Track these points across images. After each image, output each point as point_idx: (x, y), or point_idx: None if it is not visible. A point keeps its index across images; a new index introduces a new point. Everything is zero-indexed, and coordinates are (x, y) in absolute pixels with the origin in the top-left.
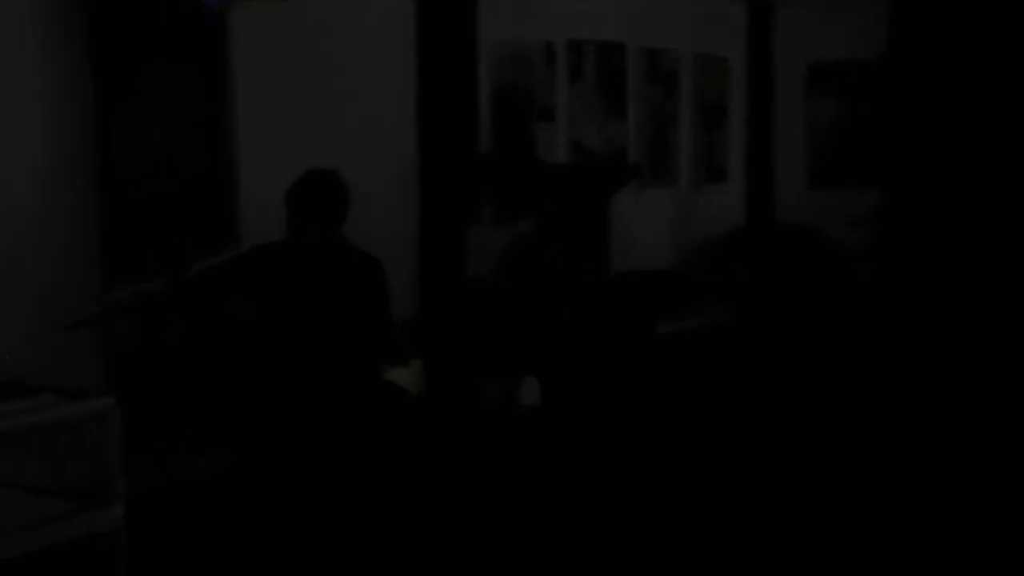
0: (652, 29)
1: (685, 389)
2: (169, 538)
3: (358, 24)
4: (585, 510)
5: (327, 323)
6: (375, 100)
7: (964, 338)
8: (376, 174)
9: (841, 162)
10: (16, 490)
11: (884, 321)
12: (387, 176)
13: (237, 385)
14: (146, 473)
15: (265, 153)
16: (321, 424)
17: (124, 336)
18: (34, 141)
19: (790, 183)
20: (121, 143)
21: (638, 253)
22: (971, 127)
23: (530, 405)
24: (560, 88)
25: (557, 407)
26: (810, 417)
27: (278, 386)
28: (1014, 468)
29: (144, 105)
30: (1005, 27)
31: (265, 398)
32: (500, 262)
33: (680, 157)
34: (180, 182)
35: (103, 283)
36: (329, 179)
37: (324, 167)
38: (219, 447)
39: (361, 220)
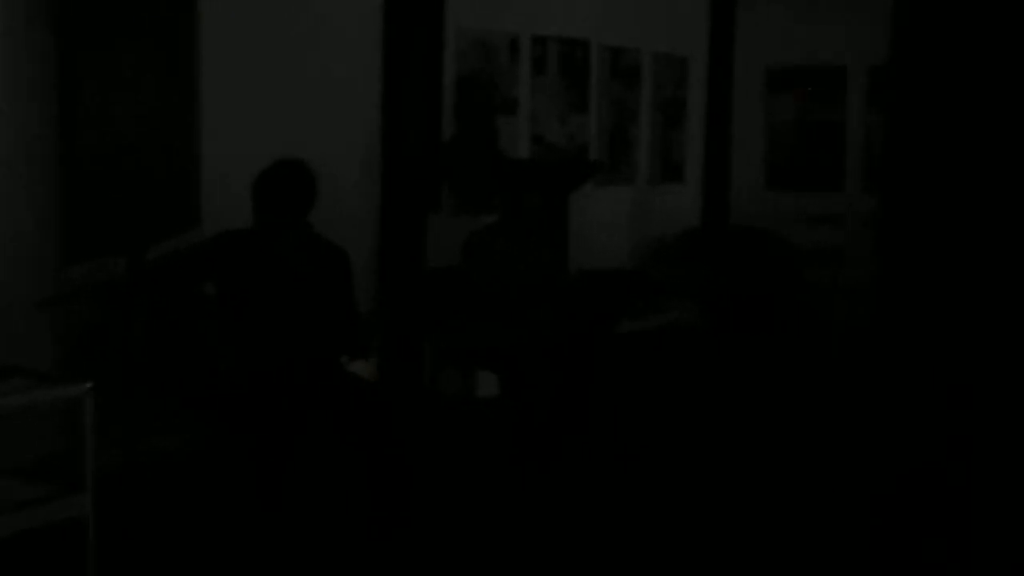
0: (616, 27)
1: (645, 387)
2: (135, 519)
3: (327, 10)
4: (540, 500)
5: (292, 311)
6: (341, 86)
7: (964, 344)
8: (339, 160)
9: (799, 164)
10: None
11: (879, 326)
12: (350, 162)
13: (201, 369)
14: (109, 454)
15: (229, 136)
16: (284, 411)
17: (80, 315)
18: None
19: (747, 184)
20: (84, 122)
21: (594, 249)
22: (974, 133)
23: (486, 396)
24: (523, 81)
25: (517, 398)
26: (769, 416)
27: (242, 372)
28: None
29: (109, 84)
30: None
31: (229, 383)
32: (465, 252)
33: (639, 154)
34: (143, 163)
35: (61, 261)
36: (297, 170)
37: (291, 158)
38: (180, 428)
39: (323, 207)
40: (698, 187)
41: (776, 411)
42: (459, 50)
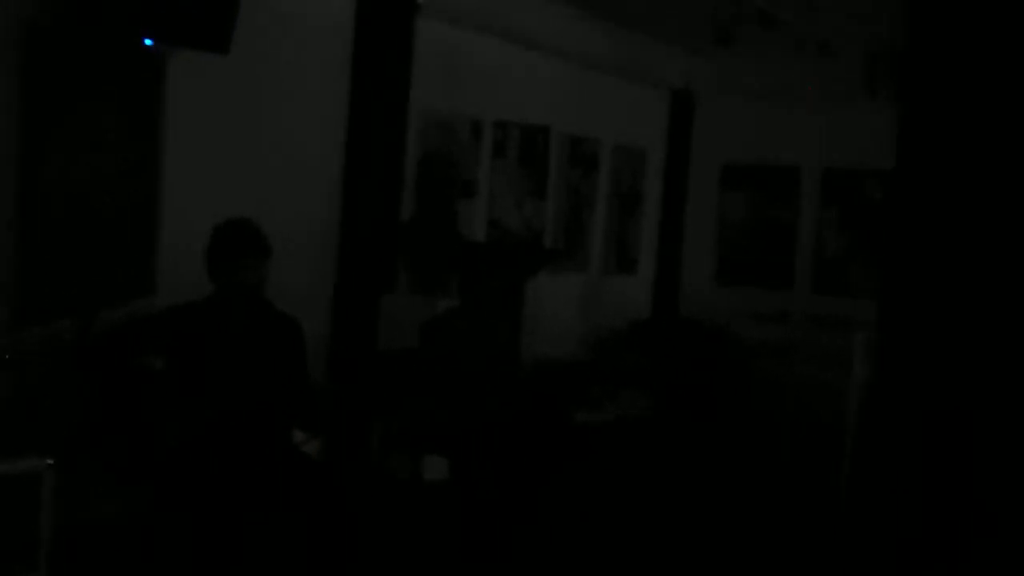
0: (577, 116)
1: (598, 477)
2: None
3: (294, 84)
4: None
5: (242, 384)
6: (303, 160)
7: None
8: (297, 234)
9: (749, 261)
10: None
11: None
12: (307, 237)
13: (143, 441)
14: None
15: (189, 204)
16: (229, 485)
17: (25, 381)
18: None
19: (698, 277)
20: (44, 182)
21: (545, 335)
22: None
23: (433, 480)
24: (484, 164)
25: (466, 483)
26: (719, 509)
27: (187, 446)
28: None
29: (72, 143)
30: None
31: (172, 457)
32: (423, 335)
33: (593, 243)
34: (101, 226)
35: (12, 323)
36: (249, 227)
37: (241, 217)
38: (120, 497)
39: (278, 280)
40: (649, 277)
41: (726, 503)
42: (421, 130)
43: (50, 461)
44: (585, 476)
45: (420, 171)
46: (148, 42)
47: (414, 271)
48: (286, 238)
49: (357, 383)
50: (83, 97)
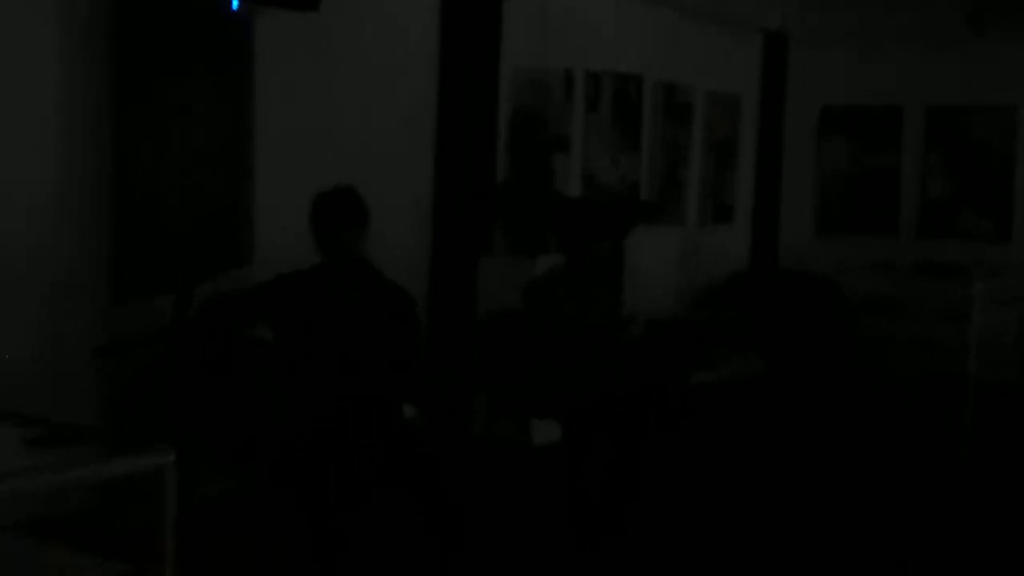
0: (669, 64)
1: (715, 442)
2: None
3: (382, 47)
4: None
5: (352, 357)
6: (395, 124)
7: None
8: (392, 199)
9: (850, 208)
10: (60, 550)
11: None
12: (402, 202)
13: (254, 418)
14: None
15: (282, 174)
16: (340, 463)
17: (130, 362)
18: (48, 148)
19: (797, 227)
20: (138, 156)
21: (643, 292)
22: None
23: (543, 444)
24: (576, 118)
25: (581, 450)
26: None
27: (298, 421)
28: None
29: (164, 118)
30: None
31: (284, 433)
32: (526, 298)
33: (689, 195)
34: (196, 198)
35: (111, 300)
36: (353, 194)
37: (343, 183)
38: (229, 477)
39: (374, 248)
40: (747, 229)
41: (841, 467)
42: (514, 87)
43: (173, 456)
44: (699, 439)
45: (513, 128)
46: (235, 3)
47: (511, 231)
48: (380, 203)
49: (458, 349)
50: (174, 65)
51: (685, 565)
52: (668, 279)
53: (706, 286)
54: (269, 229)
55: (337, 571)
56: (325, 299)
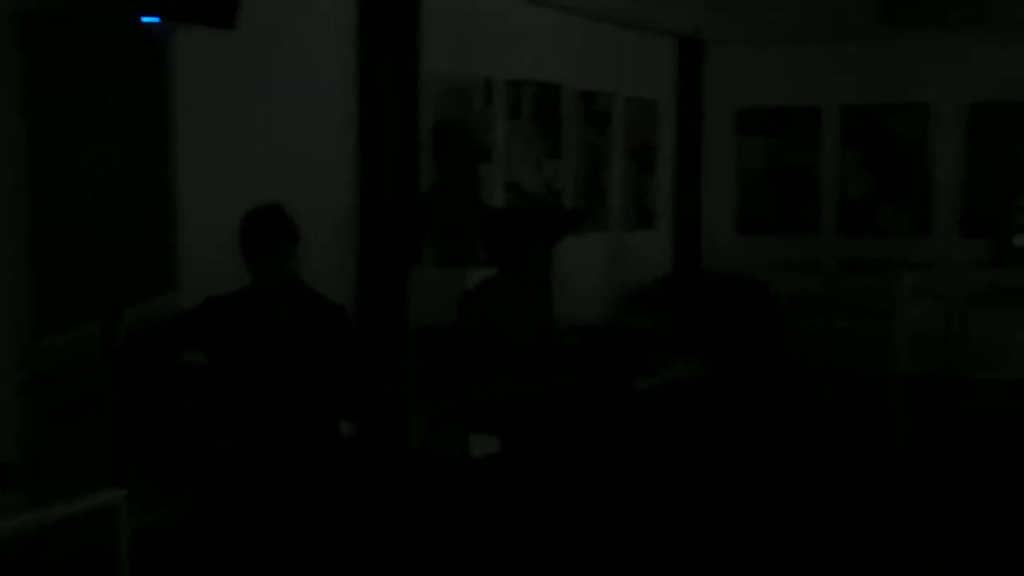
0: (587, 70)
1: (657, 446)
2: None
3: (301, 59)
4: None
5: (289, 378)
6: (317, 138)
7: None
8: (317, 215)
9: (771, 207)
10: None
11: None
12: (327, 217)
13: (190, 444)
14: None
15: (205, 194)
16: (282, 486)
17: (56, 395)
18: None
19: (719, 228)
20: (55, 182)
21: (570, 299)
22: None
23: (482, 456)
24: (498, 126)
25: (523, 462)
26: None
27: (236, 446)
28: None
29: (80, 138)
30: None
31: (221, 458)
32: (462, 309)
33: (612, 200)
34: (117, 223)
35: (34, 331)
36: (282, 211)
37: (271, 201)
38: (165, 505)
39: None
40: (669, 232)
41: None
42: (435, 97)
43: (125, 492)
44: (643, 443)
45: (436, 138)
46: (150, 20)
47: (439, 242)
48: (305, 217)
49: (391, 362)
50: (88, 87)
51: (636, 569)
52: (595, 285)
53: (634, 291)
54: (195, 251)
55: None
56: (259, 321)
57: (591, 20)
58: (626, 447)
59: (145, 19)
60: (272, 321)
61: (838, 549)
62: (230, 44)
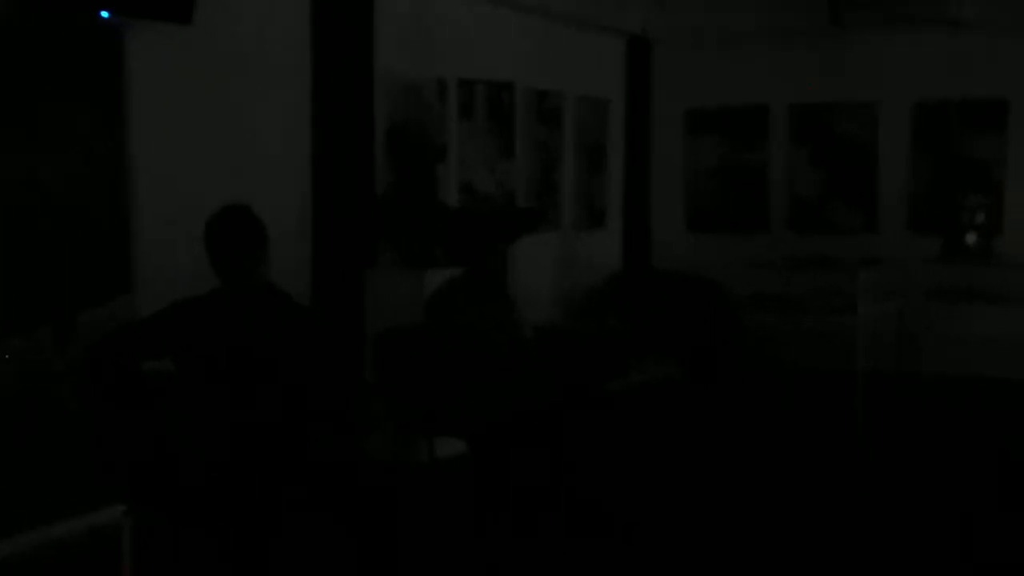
0: (539, 70)
1: (627, 447)
2: None
3: (255, 62)
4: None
5: (264, 384)
6: (271, 141)
7: None
8: (272, 219)
9: (721, 205)
10: None
11: None
12: (283, 221)
13: (158, 459)
14: None
15: (159, 196)
16: (256, 502)
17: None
18: None
19: (669, 227)
20: (7, 185)
21: (524, 299)
22: None
23: (447, 457)
24: (452, 126)
25: (494, 466)
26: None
27: (209, 456)
28: None
29: (31, 136)
30: None
31: (191, 474)
32: (432, 310)
33: (563, 199)
34: (70, 227)
35: None
36: (247, 212)
37: (237, 203)
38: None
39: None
40: (620, 231)
41: (747, 467)
42: (389, 97)
43: (124, 508)
44: (610, 446)
45: (391, 139)
46: (104, 15)
47: (396, 244)
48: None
49: (347, 364)
50: (41, 85)
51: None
52: (546, 286)
53: (586, 291)
54: (149, 254)
55: None
56: (229, 327)
57: (543, 19)
58: (597, 450)
59: (100, 12)
60: (243, 327)
61: (812, 545)
62: (184, 41)
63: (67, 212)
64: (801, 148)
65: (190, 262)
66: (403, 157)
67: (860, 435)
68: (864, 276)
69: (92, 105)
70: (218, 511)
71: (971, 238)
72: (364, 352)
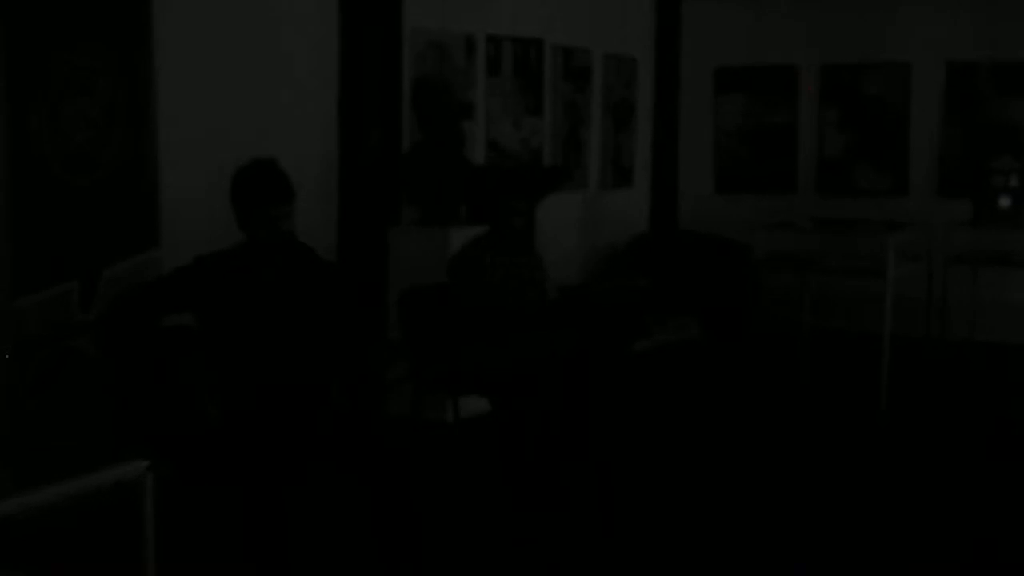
0: (567, 26)
1: (648, 408)
2: None
3: (281, 18)
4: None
5: (290, 341)
6: (298, 96)
7: None
8: (294, 171)
9: (748, 166)
10: None
11: None
12: (305, 173)
13: (182, 414)
14: None
15: (186, 151)
16: (279, 458)
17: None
18: None
19: (696, 187)
20: (33, 137)
21: (549, 257)
22: None
23: (472, 416)
24: (479, 83)
25: (519, 424)
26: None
27: (233, 410)
28: None
29: (59, 91)
30: None
31: (215, 429)
32: (456, 269)
33: (590, 158)
34: (96, 180)
35: (10, 292)
36: (274, 166)
37: (264, 157)
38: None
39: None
40: (647, 191)
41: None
42: (415, 52)
43: (147, 464)
44: (633, 406)
45: (417, 95)
46: None
47: (420, 201)
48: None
49: (369, 322)
50: (65, 33)
51: (631, 535)
52: (573, 244)
53: (611, 250)
54: (176, 208)
55: (284, 557)
56: (253, 282)
57: None
58: (621, 410)
59: None
60: (268, 283)
61: (830, 504)
62: None
63: (94, 166)
64: (830, 109)
65: (215, 216)
66: (428, 113)
67: (883, 399)
68: (893, 239)
69: (118, 54)
70: (238, 463)
71: (1005, 201)
72: (388, 310)
